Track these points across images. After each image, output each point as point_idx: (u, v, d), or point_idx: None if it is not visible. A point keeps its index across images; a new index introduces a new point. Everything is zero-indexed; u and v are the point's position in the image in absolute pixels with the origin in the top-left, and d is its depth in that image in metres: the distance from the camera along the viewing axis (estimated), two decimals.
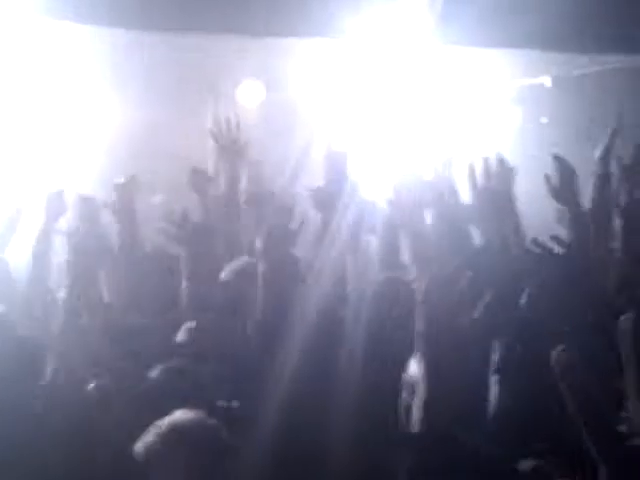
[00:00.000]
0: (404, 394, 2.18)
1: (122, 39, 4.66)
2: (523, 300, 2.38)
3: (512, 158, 5.46)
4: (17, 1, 3.59)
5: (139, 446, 1.90)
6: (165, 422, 1.92)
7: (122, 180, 3.63)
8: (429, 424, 1.82)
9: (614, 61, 6.00)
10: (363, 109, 6.00)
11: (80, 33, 4.50)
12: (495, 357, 2.20)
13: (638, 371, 1.00)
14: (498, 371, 2.17)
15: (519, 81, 6.48)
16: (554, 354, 0.99)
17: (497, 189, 2.82)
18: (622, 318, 1.04)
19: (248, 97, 6.08)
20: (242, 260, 3.49)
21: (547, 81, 6.38)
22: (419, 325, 1.89)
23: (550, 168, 3.33)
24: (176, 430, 1.90)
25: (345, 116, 5.70)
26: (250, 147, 3.88)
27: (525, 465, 1.79)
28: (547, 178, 3.03)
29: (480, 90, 6.49)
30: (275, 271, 2.49)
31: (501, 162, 2.89)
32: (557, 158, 3.18)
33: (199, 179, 3.69)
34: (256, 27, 4.00)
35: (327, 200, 3.16)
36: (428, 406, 1.82)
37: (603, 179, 3.46)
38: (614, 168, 3.54)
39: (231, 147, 3.82)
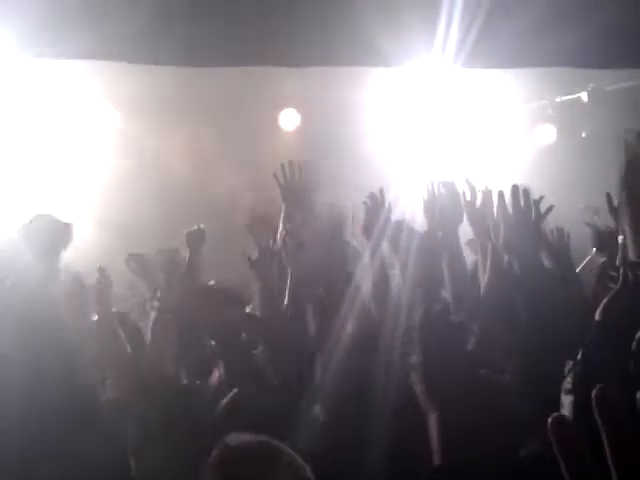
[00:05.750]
0: None
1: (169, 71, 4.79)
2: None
3: (546, 176, 5.52)
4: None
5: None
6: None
7: (192, 230, 3.60)
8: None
9: None
10: (403, 132, 6.08)
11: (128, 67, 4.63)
12: None
13: None
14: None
15: (555, 97, 6.49)
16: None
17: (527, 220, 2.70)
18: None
19: (288, 122, 6.20)
20: None
21: (584, 96, 6.37)
22: None
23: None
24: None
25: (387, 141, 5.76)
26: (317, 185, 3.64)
27: None
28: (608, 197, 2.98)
29: (516, 109, 6.51)
30: None
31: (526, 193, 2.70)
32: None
33: (260, 227, 3.60)
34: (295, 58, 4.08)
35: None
36: None
37: None
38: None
39: (296, 189, 3.58)
